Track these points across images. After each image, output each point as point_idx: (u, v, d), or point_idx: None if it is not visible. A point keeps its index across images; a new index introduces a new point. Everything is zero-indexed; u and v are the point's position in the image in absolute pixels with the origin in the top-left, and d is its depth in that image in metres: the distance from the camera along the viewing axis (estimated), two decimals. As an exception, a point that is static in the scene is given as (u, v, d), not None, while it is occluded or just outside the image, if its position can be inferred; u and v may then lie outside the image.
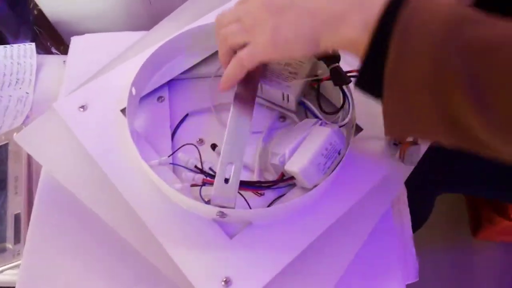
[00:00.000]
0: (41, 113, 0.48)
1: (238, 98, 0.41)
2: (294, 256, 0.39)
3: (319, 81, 0.46)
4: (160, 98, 0.50)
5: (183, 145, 0.44)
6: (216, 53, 0.49)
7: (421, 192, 0.67)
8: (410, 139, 0.44)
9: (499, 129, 0.27)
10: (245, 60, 0.38)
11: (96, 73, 0.52)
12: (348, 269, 0.40)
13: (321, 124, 0.43)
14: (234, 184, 0.38)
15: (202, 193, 0.40)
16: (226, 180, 0.38)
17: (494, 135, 0.27)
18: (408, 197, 0.47)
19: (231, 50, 0.40)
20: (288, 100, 0.46)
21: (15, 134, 0.46)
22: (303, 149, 0.41)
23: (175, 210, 0.41)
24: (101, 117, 0.47)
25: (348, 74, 0.42)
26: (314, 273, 0.40)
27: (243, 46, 0.39)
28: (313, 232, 0.40)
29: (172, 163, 0.44)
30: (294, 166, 0.40)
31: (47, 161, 0.45)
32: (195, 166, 0.42)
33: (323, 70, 0.47)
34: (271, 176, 0.44)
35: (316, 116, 0.46)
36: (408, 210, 0.47)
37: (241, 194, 0.41)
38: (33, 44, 0.64)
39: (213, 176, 0.39)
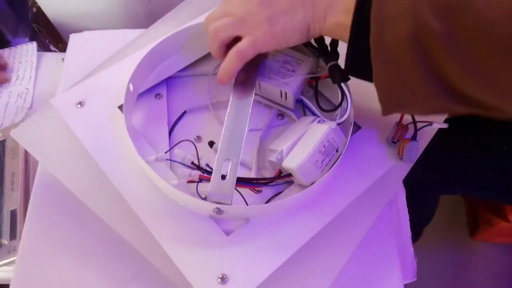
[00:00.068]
0: (39, 110, 0.48)
1: (237, 87, 0.42)
2: (291, 253, 0.39)
3: (317, 78, 0.46)
4: (158, 95, 0.50)
5: (180, 141, 0.44)
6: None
7: (422, 192, 0.67)
8: (408, 136, 0.44)
9: (478, 81, 0.30)
10: (245, 52, 0.39)
11: (94, 70, 0.52)
12: (346, 268, 0.40)
13: (319, 122, 0.43)
14: (231, 180, 0.38)
15: (199, 190, 0.40)
16: (223, 177, 0.38)
17: (479, 88, 0.30)
18: (409, 197, 0.47)
19: (223, 43, 0.41)
20: (286, 97, 0.46)
21: (12, 130, 0.46)
22: (300, 147, 0.41)
23: (171, 206, 0.41)
24: (98, 113, 0.46)
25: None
26: (311, 271, 0.40)
27: (236, 38, 0.40)
28: (310, 230, 0.40)
29: (169, 159, 0.44)
30: (291, 163, 0.39)
31: (43, 157, 0.45)
32: (192, 162, 0.42)
33: (321, 68, 0.47)
34: (268, 174, 0.44)
35: (314, 114, 0.46)
36: (406, 209, 0.47)
37: (238, 191, 0.40)
38: (34, 43, 0.65)
39: (210, 173, 0.39)
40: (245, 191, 0.42)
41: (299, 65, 0.46)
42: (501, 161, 0.58)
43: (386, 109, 0.36)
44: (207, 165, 0.42)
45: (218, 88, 0.49)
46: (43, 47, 0.73)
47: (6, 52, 0.64)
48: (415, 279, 0.44)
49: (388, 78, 0.33)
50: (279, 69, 0.46)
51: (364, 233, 0.41)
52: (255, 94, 0.46)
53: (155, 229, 0.39)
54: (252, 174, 0.44)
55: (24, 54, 0.64)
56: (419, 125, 0.44)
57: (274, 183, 0.43)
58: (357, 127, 0.47)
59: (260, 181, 0.42)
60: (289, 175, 0.41)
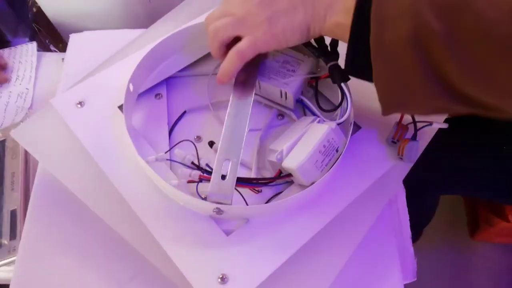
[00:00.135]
0: (38, 110, 0.48)
1: (237, 87, 0.42)
2: (291, 254, 0.39)
3: (317, 78, 0.46)
4: (158, 95, 0.50)
5: (180, 141, 0.44)
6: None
7: (422, 192, 0.67)
8: (408, 136, 0.44)
9: (478, 81, 0.30)
10: (245, 52, 0.39)
11: (94, 70, 0.52)
12: (346, 269, 0.40)
13: (319, 122, 0.43)
14: (231, 180, 0.38)
15: (199, 190, 0.40)
16: (223, 177, 0.38)
17: (479, 88, 0.30)
18: (409, 197, 0.47)
19: (223, 43, 0.41)
20: (286, 97, 0.46)
21: (12, 130, 0.46)
22: (300, 147, 0.41)
23: (171, 206, 0.41)
24: (98, 113, 0.46)
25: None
26: (311, 271, 0.40)
27: (236, 38, 0.40)
28: (310, 230, 0.40)
29: (169, 159, 0.44)
30: (291, 163, 0.39)
31: (43, 157, 0.45)
32: (192, 162, 0.42)
33: (321, 68, 0.47)
34: (268, 174, 0.44)
35: (314, 114, 0.46)
36: (406, 209, 0.47)
37: (238, 191, 0.40)
38: (34, 43, 0.65)
39: (210, 173, 0.39)
40: (245, 191, 0.42)
41: (299, 65, 0.46)
42: (501, 161, 0.58)
43: (386, 109, 0.36)
44: (207, 165, 0.42)
45: (218, 88, 0.49)
46: (43, 47, 0.73)
47: (6, 52, 0.64)
48: (415, 279, 0.44)
49: (388, 78, 0.33)
50: (279, 69, 0.46)
51: (364, 233, 0.41)
52: (255, 94, 0.46)
53: (155, 229, 0.39)
54: (252, 174, 0.44)
55: (24, 54, 0.64)
56: (419, 125, 0.44)
57: (274, 183, 0.43)
58: (357, 127, 0.47)
59: (260, 181, 0.42)
60: (289, 175, 0.41)
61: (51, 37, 0.74)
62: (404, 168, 0.45)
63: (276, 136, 0.45)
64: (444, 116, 0.49)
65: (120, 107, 0.46)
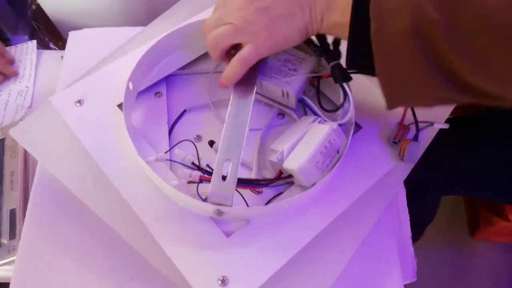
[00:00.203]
0: (37, 108, 0.48)
1: (238, 86, 0.42)
2: (292, 255, 0.39)
3: (319, 78, 0.46)
4: (157, 94, 0.50)
5: (180, 141, 0.44)
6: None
7: (423, 192, 0.67)
8: (409, 136, 0.44)
9: (479, 71, 0.30)
10: (248, 59, 0.39)
11: (93, 67, 0.51)
12: (346, 269, 0.40)
13: (320, 122, 0.42)
14: (231, 181, 0.37)
15: (199, 190, 0.40)
16: (224, 177, 0.37)
17: (480, 77, 0.31)
18: (410, 197, 0.47)
19: (223, 50, 0.41)
20: (287, 97, 0.45)
21: (11, 128, 0.46)
22: (301, 147, 0.40)
23: (171, 207, 0.41)
24: (97, 112, 0.46)
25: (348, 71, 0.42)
26: (312, 273, 0.39)
27: (236, 45, 0.40)
28: (311, 231, 0.40)
29: (169, 160, 0.43)
30: (292, 164, 0.39)
31: (42, 156, 0.45)
32: (192, 163, 0.41)
33: (323, 67, 0.46)
34: (269, 173, 0.44)
35: (315, 114, 0.46)
36: (406, 209, 0.47)
37: (238, 192, 0.40)
38: (34, 41, 0.64)
39: (210, 173, 0.39)
40: (246, 192, 0.42)
41: (300, 64, 0.45)
42: (501, 161, 0.58)
43: (391, 103, 0.36)
44: (207, 165, 0.41)
45: (218, 87, 0.48)
46: (42, 45, 0.72)
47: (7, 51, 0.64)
48: (415, 279, 0.44)
49: (391, 71, 0.33)
50: (280, 68, 0.45)
51: (365, 235, 0.41)
52: (256, 93, 0.46)
53: (155, 230, 0.39)
54: (253, 174, 0.44)
55: (24, 52, 0.63)
56: (420, 125, 0.44)
57: (274, 184, 0.42)
58: (358, 127, 0.46)
59: (260, 182, 0.42)
60: (290, 176, 0.41)
61: (51, 35, 0.73)
62: (405, 169, 0.45)
63: (277, 136, 0.45)
64: (445, 116, 0.49)
65: (120, 106, 0.46)
